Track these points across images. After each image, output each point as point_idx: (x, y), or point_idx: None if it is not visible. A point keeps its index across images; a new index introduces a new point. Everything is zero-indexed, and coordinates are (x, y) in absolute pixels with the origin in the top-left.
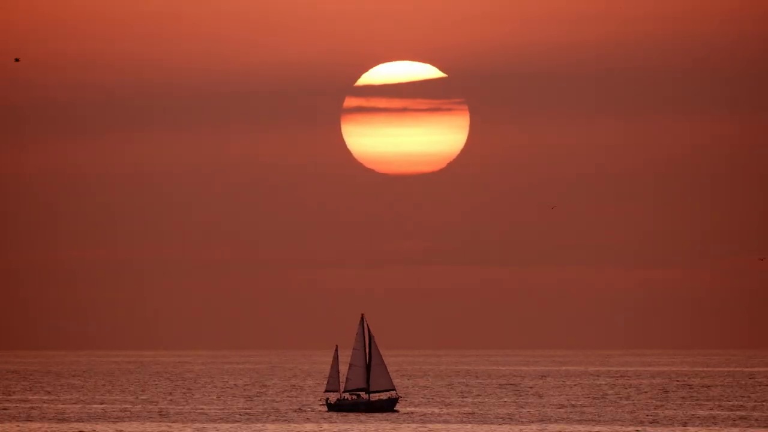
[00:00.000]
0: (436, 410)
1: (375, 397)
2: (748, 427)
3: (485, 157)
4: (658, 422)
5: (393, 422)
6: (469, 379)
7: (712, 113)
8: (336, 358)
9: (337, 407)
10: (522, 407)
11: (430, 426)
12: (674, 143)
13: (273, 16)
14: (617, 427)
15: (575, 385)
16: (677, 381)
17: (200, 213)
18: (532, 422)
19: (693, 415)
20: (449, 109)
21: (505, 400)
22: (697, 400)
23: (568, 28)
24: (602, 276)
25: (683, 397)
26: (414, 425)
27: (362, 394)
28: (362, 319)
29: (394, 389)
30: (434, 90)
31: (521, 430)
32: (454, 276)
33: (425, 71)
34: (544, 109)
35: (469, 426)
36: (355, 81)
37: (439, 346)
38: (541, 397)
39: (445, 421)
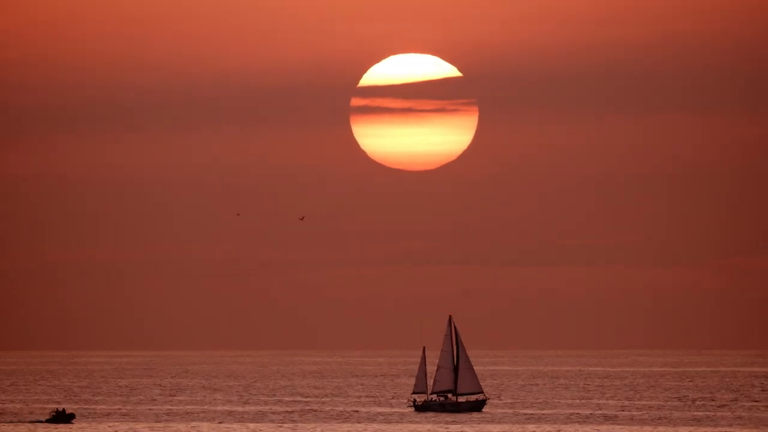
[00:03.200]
0: (524, 411)
1: (462, 399)
2: None
3: (493, 156)
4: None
5: (480, 423)
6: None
7: (723, 114)
8: (423, 360)
9: (424, 408)
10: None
11: (516, 427)
12: (684, 143)
13: (284, 12)
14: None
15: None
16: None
17: (227, 214)
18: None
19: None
20: (454, 110)
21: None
22: None
23: (584, 29)
24: (617, 276)
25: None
26: (501, 426)
27: (449, 395)
28: (450, 320)
29: (481, 392)
30: (442, 90)
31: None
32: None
33: (443, 69)
34: (555, 109)
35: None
36: (367, 78)
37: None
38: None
39: (533, 422)
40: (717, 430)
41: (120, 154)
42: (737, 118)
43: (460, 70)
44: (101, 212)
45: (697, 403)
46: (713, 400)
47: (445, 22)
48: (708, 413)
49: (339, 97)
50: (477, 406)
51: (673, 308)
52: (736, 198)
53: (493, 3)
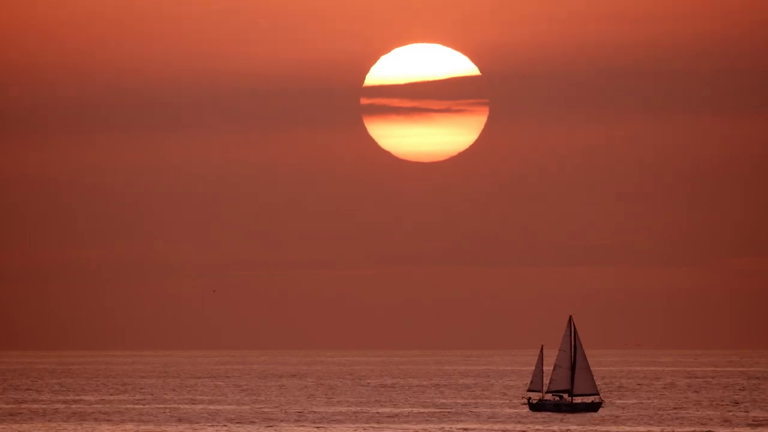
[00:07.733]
0: (641, 413)
1: (578, 400)
2: None
3: (506, 156)
4: None
5: (595, 424)
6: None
7: (735, 115)
8: (541, 358)
9: (538, 407)
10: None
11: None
12: (697, 144)
13: (291, 5)
14: None
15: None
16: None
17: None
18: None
19: None
20: (459, 110)
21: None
22: None
23: (591, 28)
24: (622, 275)
25: None
26: (616, 427)
27: (565, 395)
28: (570, 320)
29: (597, 393)
30: (454, 90)
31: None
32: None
33: (461, 67)
34: (563, 109)
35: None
36: (375, 75)
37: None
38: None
39: (649, 424)
40: None
41: (118, 154)
42: (750, 119)
43: (480, 69)
44: (97, 213)
45: None
46: None
47: (469, 19)
48: None
49: (348, 94)
50: (593, 408)
51: (687, 308)
52: (750, 198)
53: (515, 1)
